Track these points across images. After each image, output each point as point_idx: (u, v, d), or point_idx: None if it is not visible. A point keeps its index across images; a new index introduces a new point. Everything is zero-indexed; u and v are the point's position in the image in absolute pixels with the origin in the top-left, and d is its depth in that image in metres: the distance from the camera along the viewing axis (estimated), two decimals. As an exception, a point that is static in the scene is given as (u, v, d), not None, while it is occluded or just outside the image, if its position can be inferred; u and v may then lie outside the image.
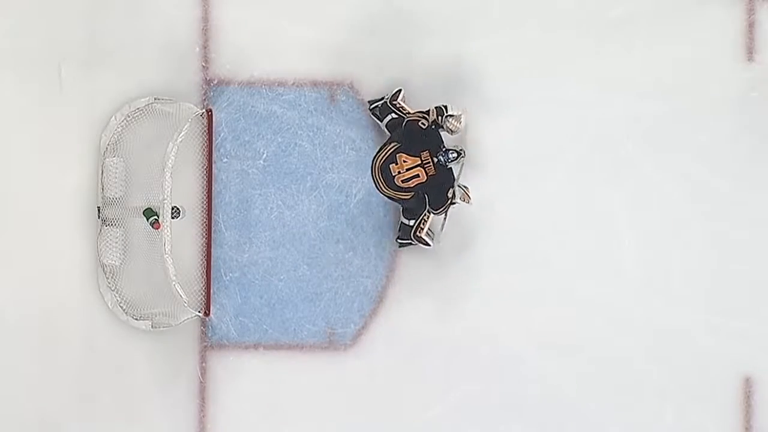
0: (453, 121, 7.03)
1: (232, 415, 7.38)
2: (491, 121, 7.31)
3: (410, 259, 7.33)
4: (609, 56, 7.30)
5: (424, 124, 7.01)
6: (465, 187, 7.06)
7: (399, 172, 7.01)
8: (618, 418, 7.33)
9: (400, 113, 7.08)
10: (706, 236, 7.33)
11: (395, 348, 7.35)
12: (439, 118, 7.02)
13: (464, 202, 7.05)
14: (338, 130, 7.36)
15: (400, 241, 7.26)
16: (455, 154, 6.94)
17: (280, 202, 7.38)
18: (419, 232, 7.15)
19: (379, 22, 7.35)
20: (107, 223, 7.24)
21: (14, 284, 7.31)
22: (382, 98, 7.17)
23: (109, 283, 7.26)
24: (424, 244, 7.17)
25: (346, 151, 7.36)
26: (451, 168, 7.00)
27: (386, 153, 7.03)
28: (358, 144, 7.36)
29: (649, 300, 7.32)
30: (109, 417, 7.35)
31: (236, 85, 7.37)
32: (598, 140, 7.29)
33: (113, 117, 7.26)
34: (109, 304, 7.30)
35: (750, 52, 7.33)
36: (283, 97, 7.37)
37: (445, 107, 7.03)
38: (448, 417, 7.22)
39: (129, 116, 7.22)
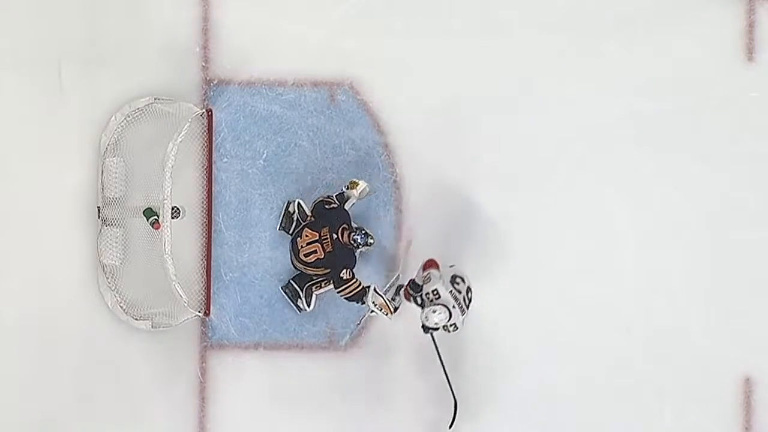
0: (350, 185, 7.00)
1: (232, 415, 7.38)
2: (491, 120, 7.31)
3: (410, 259, 7.33)
4: (609, 56, 7.30)
5: (329, 204, 6.94)
6: (391, 300, 6.96)
7: (302, 247, 6.94)
8: (618, 418, 7.33)
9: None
10: (706, 236, 7.33)
11: (395, 348, 7.35)
12: (344, 188, 7.03)
13: (382, 313, 6.86)
14: (338, 130, 7.36)
15: (292, 282, 7.22)
16: (371, 240, 6.87)
17: (280, 202, 7.38)
18: (315, 288, 7.14)
19: (379, 22, 7.35)
20: (107, 223, 7.24)
21: (14, 284, 7.32)
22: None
23: (109, 283, 7.26)
24: (301, 304, 7.16)
25: (346, 151, 7.36)
26: (352, 250, 6.90)
27: (300, 227, 7.02)
28: (358, 144, 7.36)
29: (649, 300, 7.33)
30: (109, 417, 7.35)
31: (236, 85, 7.37)
32: (598, 140, 7.29)
33: (113, 117, 7.26)
34: (109, 304, 7.30)
35: (750, 52, 7.33)
36: (283, 97, 7.37)
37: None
38: (448, 417, 7.22)
39: (129, 116, 7.22)
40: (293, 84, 7.37)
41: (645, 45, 7.28)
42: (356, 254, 6.96)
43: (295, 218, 7.18)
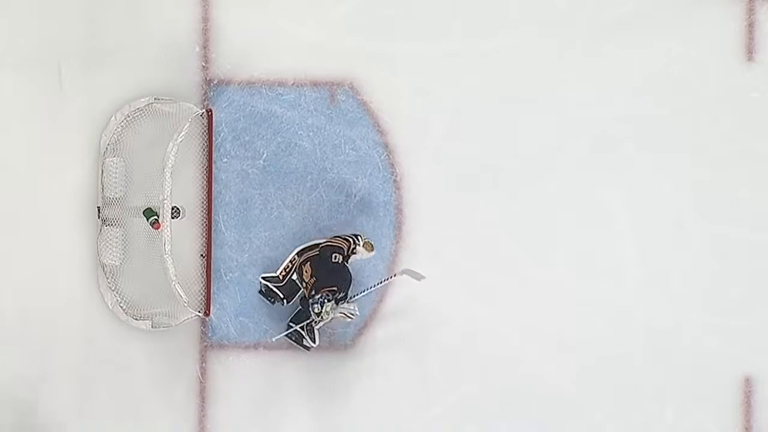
0: (366, 245, 7.01)
1: (232, 415, 7.38)
2: (491, 120, 7.32)
3: (410, 260, 7.34)
4: (609, 56, 7.31)
5: (337, 258, 6.91)
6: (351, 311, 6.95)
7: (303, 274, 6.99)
8: (618, 418, 7.33)
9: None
10: (706, 236, 7.33)
11: (395, 348, 7.35)
12: (352, 244, 7.00)
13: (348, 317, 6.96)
14: (338, 130, 7.36)
15: (291, 324, 7.15)
16: (348, 307, 6.83)
17: (280, 202, 7.38)
18: (315, 325, 7.04)
19: (379, 22, 7.35)
20: (107, 223, 7.24)
21: (15, 284, 7.32)
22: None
23: (109, 283, 7.26)
24: (307, 343, 7.12)
25: (346, 151, 7.36)
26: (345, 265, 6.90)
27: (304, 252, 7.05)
28: (358, 144, 7.36)
29: (649, 300, 7.33)
30: (109, 417, 7.35)
31: (236, 85, 7.37)
32: (598, 140, 7.30)
33: (113, 117, 7.26)
34: (109, 304, 7.30)
35: (750, 52, 7.34)
36: (283, 97, 7.37)
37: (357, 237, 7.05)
38: (448, 417, 7.22)
39: (129, 116, 7.22)
40: (293, 84, 7.37)
41: (644, 45, 7.28)
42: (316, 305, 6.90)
43: (272, 286, 7.19)
